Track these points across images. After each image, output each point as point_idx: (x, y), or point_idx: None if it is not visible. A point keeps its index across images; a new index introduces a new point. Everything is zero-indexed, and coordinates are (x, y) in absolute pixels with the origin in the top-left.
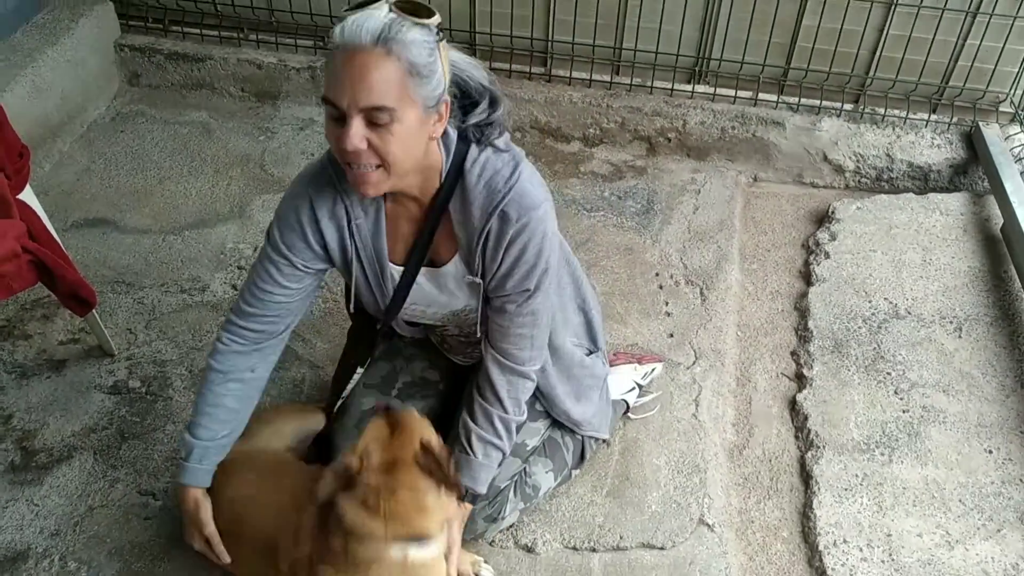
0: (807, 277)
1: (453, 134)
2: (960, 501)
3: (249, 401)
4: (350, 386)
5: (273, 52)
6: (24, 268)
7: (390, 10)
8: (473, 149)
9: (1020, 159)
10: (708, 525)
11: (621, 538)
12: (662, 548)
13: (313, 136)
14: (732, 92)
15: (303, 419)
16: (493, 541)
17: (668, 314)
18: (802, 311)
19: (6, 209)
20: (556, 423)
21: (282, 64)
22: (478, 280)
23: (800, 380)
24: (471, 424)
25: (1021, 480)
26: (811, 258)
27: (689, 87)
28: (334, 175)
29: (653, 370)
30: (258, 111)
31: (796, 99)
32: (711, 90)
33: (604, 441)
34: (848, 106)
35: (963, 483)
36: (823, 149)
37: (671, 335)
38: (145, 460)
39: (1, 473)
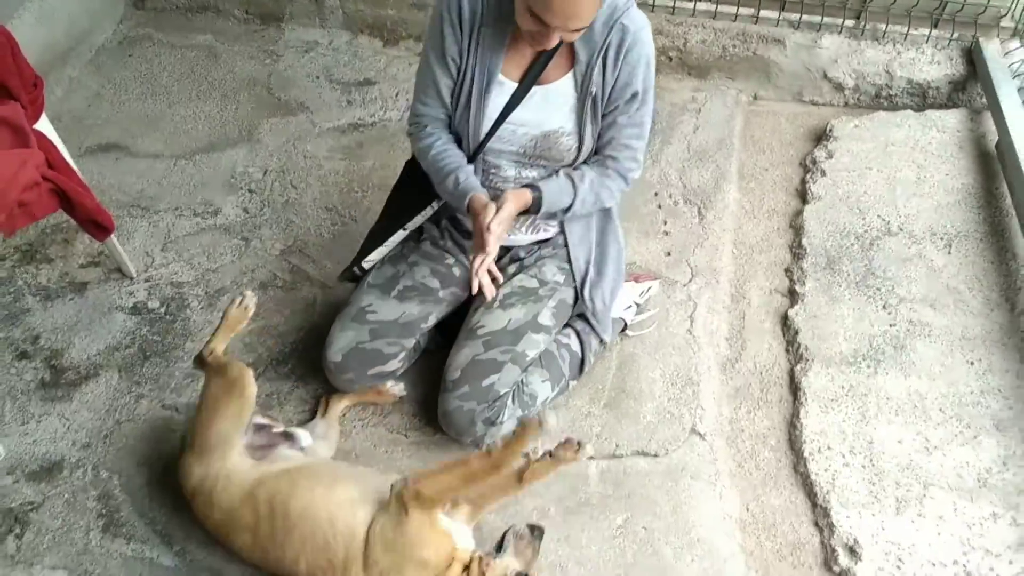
0: (803, 195)
1: None
2: (940, 410)
3: (457, 158)
4: (372, 257)
5: None
6: (45, 196)
7: None
8: None
9: (1018, 75)
10: (700, 434)
11: (617, 446)
12: (656, 456)
13: (318, 59)
14: (734, 9)
15: (235, 415)
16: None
17: (666, 233)
18: (797, 229)
19: (24, 139)
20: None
21: None
22: (592, 91)
23: (792, 296)
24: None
25: (999, 390)
26: (808, 176)
27: (691, 5)
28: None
29: (649, 288)
30: (263, 34)
31: (798, 16)
32: (712, 7)
33: (602, 342)
34: (849, 22)
35: (944, 393)
36: (823, 67)
37: (669, 253)
38: (167, 377)
39: (33, 390)
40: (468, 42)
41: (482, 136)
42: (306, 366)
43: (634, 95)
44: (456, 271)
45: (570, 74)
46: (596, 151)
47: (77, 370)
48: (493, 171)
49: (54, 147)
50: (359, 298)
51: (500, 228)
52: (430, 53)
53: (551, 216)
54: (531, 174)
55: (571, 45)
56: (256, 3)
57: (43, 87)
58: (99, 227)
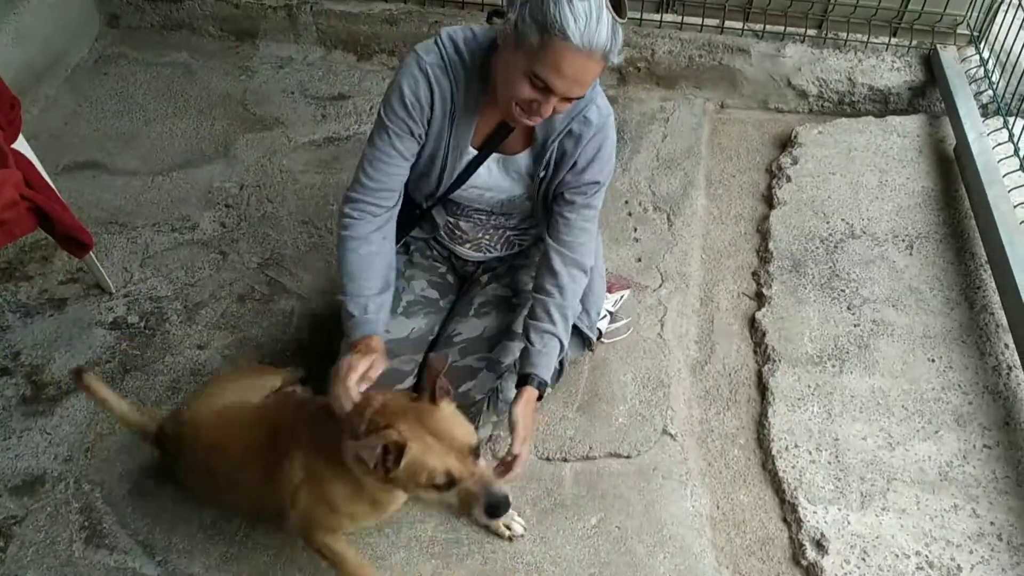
0: (770, 200)
1: None
2: (903, 407)
3: (389, 256)
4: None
5: None
6: (24, 215)
7: (607, 8)
8: None
9: (975, 81)
10: (671, 435)
11: (590, 448)
12: (628, 456)
13: (293, 74)
14: (699, 20)
15: (264, 379)
16: None
17: (636, 240)
18: (763, 233)
19: (3, 159)
20: None
21: (259, 3)
22: (541, 174)
23: (760, 299)
24: (529, 321)
25: (959, 386)
26: (774, 182)
27: (657, 16)
28: (458, 69)
29: (622, 297)
30: (237, 50)
31: (761, 26)
32: (679, 19)
33: (589, 348)
34: (811, 32)
35: (906, 390)
36: (787, 75)
37: (639, 259)
38: (147, 390)
39: (14, 406)
40: (442, 121)
41: (441, 194)
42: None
43: (594, 183)
44: (450, 278)
45: (529, 150)
46: (553, 233)
47: (58, 385)
48: (458, 213)
49: (32, 166)
50: None
51: (527, 450)
52: (391, 130)
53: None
54: (498, 220)
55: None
56: (231, 20)
57: (20, 107)
58: (78, 244)
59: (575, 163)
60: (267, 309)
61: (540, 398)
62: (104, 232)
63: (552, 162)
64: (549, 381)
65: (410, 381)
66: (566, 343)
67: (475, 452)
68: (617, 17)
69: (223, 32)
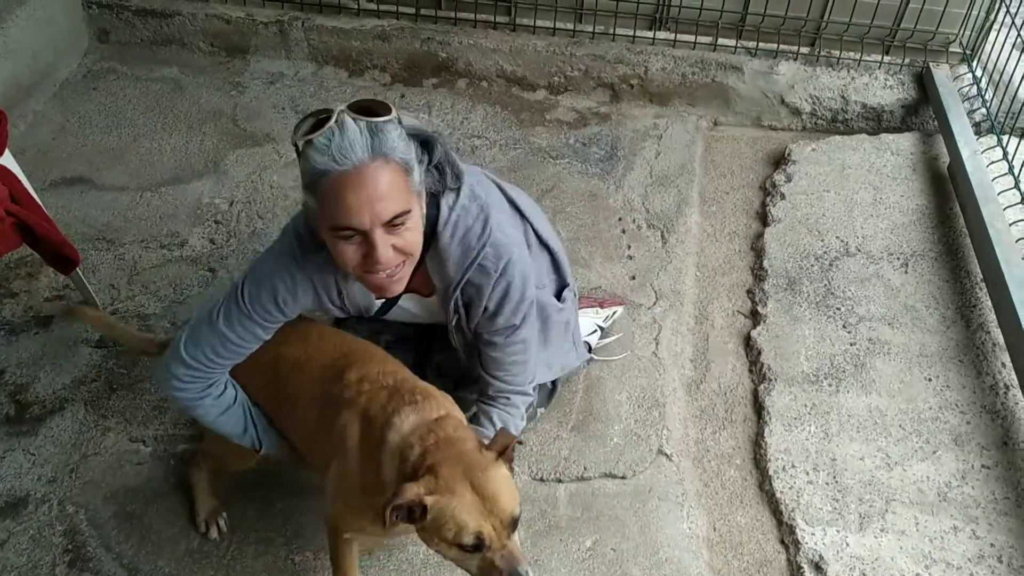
0: (763, 218)
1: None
2: (900, 426)
3: (236, 395)
4: None
5: (241, 7)
6: (9, 231)
7: (352, 119)
8: (443, 208)
9: (968, 99)
10: (666, 455)
11: (585, 469)
12: (623, 477)
13: (284, 90)
14: (692, 38)
15: None
16: None
17: (630, 257)
18: (758, 251)
19: None
20: None
21: (250, 18)
22: (453, 320)
23: (755, 317)
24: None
25: (957, 405)
26: (768, 199)
27: (650, 34)
28: (314, 254)
29: (615, 313)
30: (228, 66)
31: (754, 44)
32: (672, 36)
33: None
34: (804, 49)
35: (904, 409)
36: (780, 92)
37: (633, 277)
38: (134, 410)
39: None
40: (329, 295)
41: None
42: None
43: (510, 327)
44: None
45: (435, 296)
46: (484, 366)
47: (42, 404)
48: (382, 328)
49: (18, 181)
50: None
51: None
52: (241, 326)
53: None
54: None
55: (426, 274)
56: (221, 36)
57: (7, 122)
58: (65, 260)
59: (485, 309)
60: None
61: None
62: (91, 249)
63: (460, 309)
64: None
65: None
66: (524, 413)
67: (514, 524)
68: (371, 119)
69: (214, 48)
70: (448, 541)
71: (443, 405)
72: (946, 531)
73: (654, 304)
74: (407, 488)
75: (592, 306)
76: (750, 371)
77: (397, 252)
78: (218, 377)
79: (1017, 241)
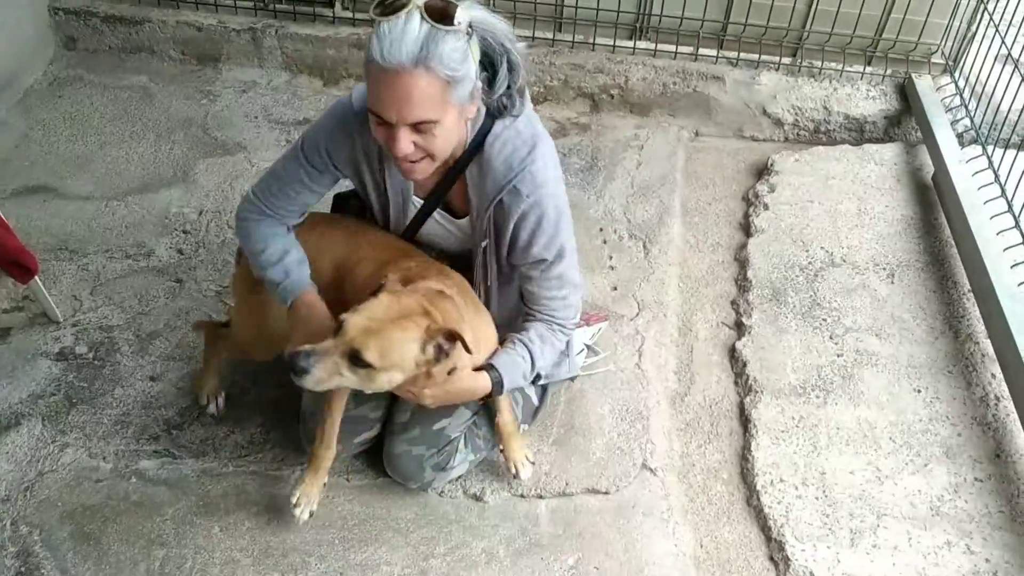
0: (747, 228)
1: (482, 108)
2: (890, 439)
3: (288, 247)
4: None
5: (212, 14)
6: None
7: (422, 18)
8: (497, 125)
9: (951, 109)
10: (651, 469)
11: (567, 484)
12: (607, 493)
13: (256, 99)
14: (673, 48)
15: None
16: (442, 492)
17: (612, 268)
18: (742, 262)
19: None
20: None
21: (222, 26)
22: (482, 243)
23: (740, 328)
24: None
25: (947, 417)
26: (751, 210)
27: (631, 43)
28: (354, 128)
29: (600, 329)
30: (199, 74)
31: (735, 54)
32: (652, 46)
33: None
34: (786, 60)
35: (893, 422)
36: (762, 103)
37: (615, 288)
38: (95, 425)
39: None
40: (376, 166)
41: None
42: (242, 410)
43: (542, 260)
44: None
45: (468, 217)
46: (524, 299)
47: None
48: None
49: None
50: None
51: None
52: (297, 169)
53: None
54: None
55: (465, 187)
56: (192, 43)
57: None
58: (22, 269)
59: (516, 239)
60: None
61: (490, 396)
62: (53, 259)
63: (490, 232)
64: (506, 384)
65: (378, 428)
66: (537, 360)
67: (358, 362)
68: (436, 24)
69: (184, 56)
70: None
71: (474, 312)
72: (940, 546)
73: (637, 315)
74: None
75: (579, 326)
76: (735, 383)
77: (418, 148)
78: (276, 218)
79: (1005, 250)
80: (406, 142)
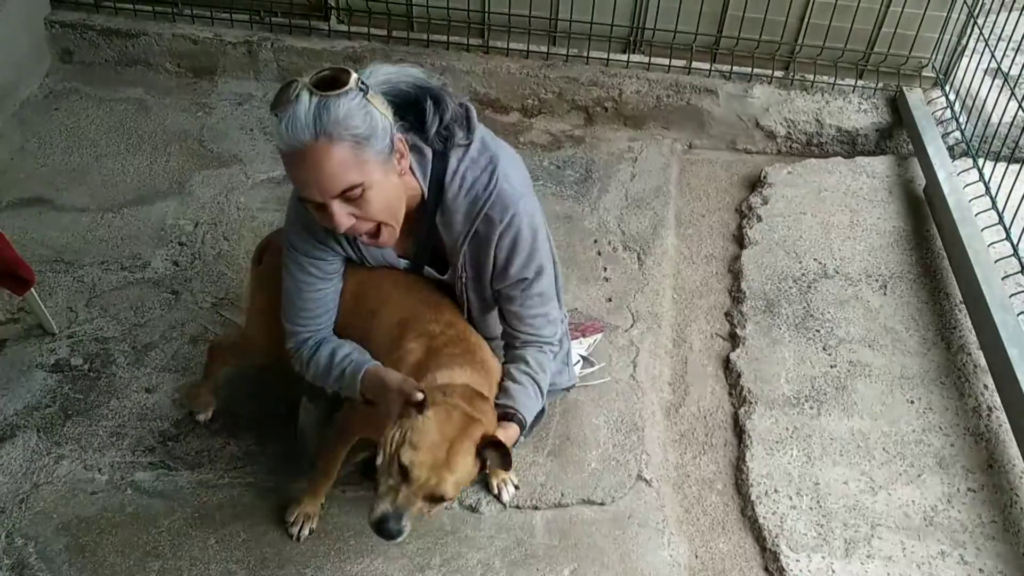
0: (740, 240)
1: (427, 151)
2: (884, 449)
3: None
4: None
5: (209, 27)
6: None
7: (310, 94)
8: (452, 160)
9: (942, 122)
10: (646, 480)
11: (562, 495)
12: (602, 504)
13: (252, 111)
14: (666, 61)
15: None
16: None
17: (607, 279)
18: (735, 273)
19: None
20: None
21: (218, 39)
22: (462, 276)
23: (733, 339)
24: (506, 365)
25: (940, 427)
26: (744, 222)
27: (624, 57)
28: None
29: (595, 341)
30: (195, 87)
31: (728, 67)
32: (646, 59)
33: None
34: (779, 73)
35: (886, 432)
36: (755, 116)
37: (609, 299)
38: (90, 436)
39: None
40: (346, 245)
41: None
42: (237, 421)
43: (522, 279)
44: None
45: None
46: (506, 322)
47: None
48: None
49: None
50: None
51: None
52: (302, 273)
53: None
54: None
55: (438, 230)
56: (188, 56)
57: None
58: (18, 281)
59: (494, 263)
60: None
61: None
62: (48, 271)
63: (466, 267)
64: (527, 425)
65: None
66: (544, 391)
67: (432, 499)
68: (324, 93)
69: (180, 69)
70: (394, 446)
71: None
72: (933, 556)
73: (631, 326)
74: (434, 391)
75: (575, 337)
76: (730, 394)
77: (362, 220)
78: (321, 331)
79: (996, 262)
80: (343, 216)
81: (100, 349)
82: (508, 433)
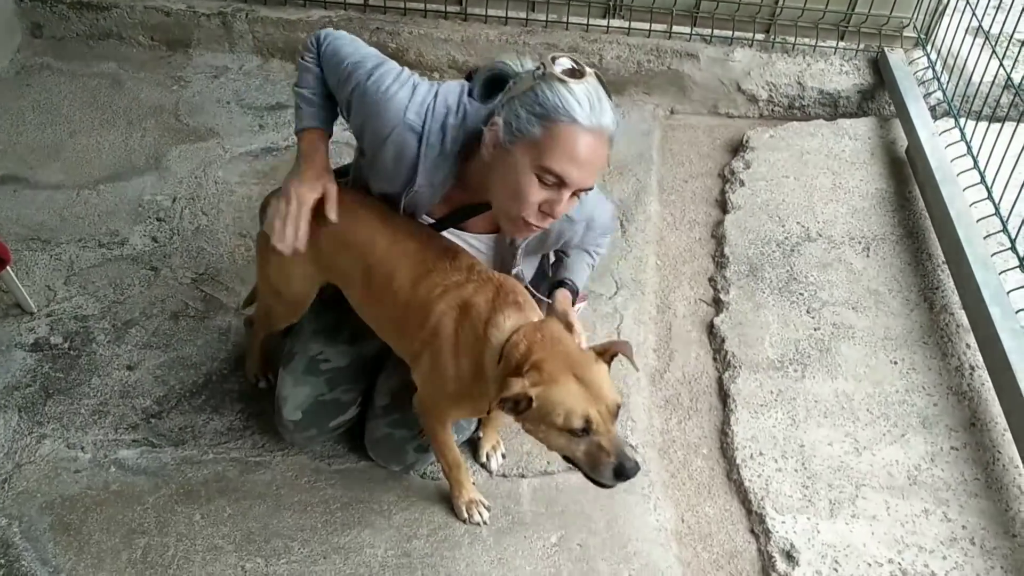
0: (723, 205)
1: None
2: (868, 410)
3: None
4: None
5: None
6: None
7: (600, 81)
8: None
9: (923, 83)
10: (632, 446)
11: (548, 463)
12: None
13: (228, 84)
14: (647, 26)
15: None
16: (425, 473)
17: None
18: (719, 238)
19: None
20: None
21: (191, 10)
22: (514, 268)
23: (717, 304)
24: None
25: (923, 387)
26: (727, 187)
27: (604, 22)
28: (434, 147)
29: (579, 310)
30: (169, 60)
31: (709, 31)
32: (626, 24)
33: None
34: (760, 36)
35: (870, 393)
36: (736, 79)
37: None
38: (72, 415)
39: None
40: (399, 175)
41: None
42: (221, 397)
43: (593, 243)
44: None
45: (495, 239)
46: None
47: None
48: None
49: None
50: (307, 347)
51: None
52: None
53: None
54: None
55: None
56: (161, 29)
57: None
58: None
59: (565, 242)
60: (202, 326)
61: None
62: (25, 249)
63: (527, 254)
64: (579, 290)
65: (353, 411)
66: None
67: (616, 413)
68: (605, 91)
69: (154, 41)
70: (557, 427)
71: (539, 311)
72: (917, 515)
73: (615, 294)
74: (513, 383)
75: None
76: (714, 359)
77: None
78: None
79: (978, 221)
80: (564, 207)
81: (80, 327)
82: (562, 296)
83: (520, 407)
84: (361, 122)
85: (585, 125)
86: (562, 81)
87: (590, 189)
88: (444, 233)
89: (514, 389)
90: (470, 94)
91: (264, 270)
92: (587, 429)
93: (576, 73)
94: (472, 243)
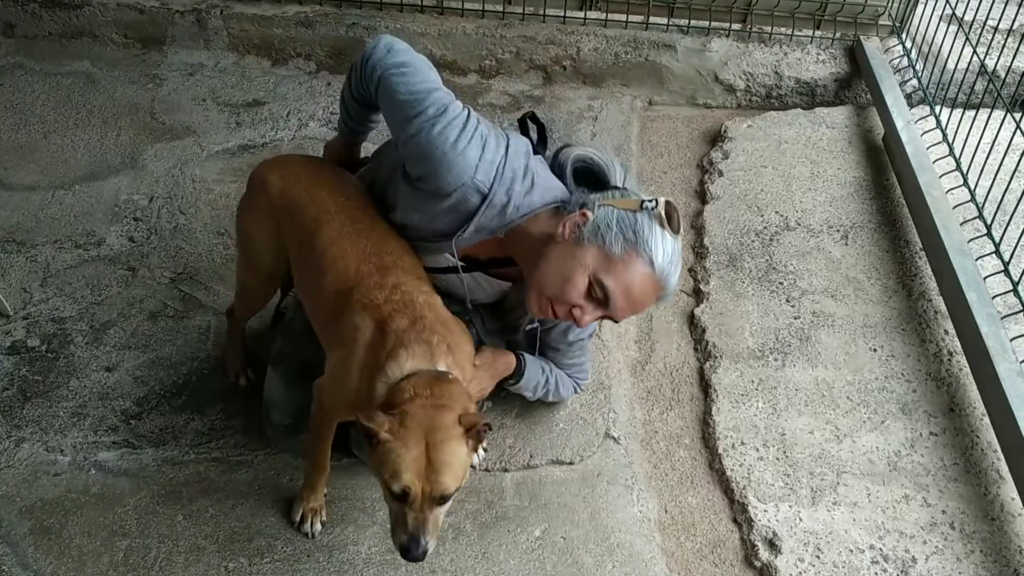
0: (702, 196)
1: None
2: (848, 398)
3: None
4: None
5: None
6: None
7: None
8: None
9: (899, 71)
10: (614, 438)
11: (531, 456)
12: (571, 463)
13: (204, 81)
14: (623, 17)
15: None
16: None
17: None
18: (698, 229)
19: None
20: None
21: (165, 7)
22: (528, 326)
23: (698, 295)
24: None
25: (902, 374)
26: (705, 177)
27: (581, 14)
28: (494, 207)
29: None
30: (144, 58)
31: (686, 21)
32: (603, 16)
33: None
34: (736, 26)
35: (850, 381)
36: (714, 70)
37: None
38: (51, 418)
39: None
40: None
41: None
42: (202, 397)
43: (578, 340)
44: None
45: (504, 285)
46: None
47: None
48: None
49: None
50: (298, 349)
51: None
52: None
53: (518, 389)
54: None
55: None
56: (135, 26)
57: None
58: None
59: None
60: (181, 326)
61: (511, 378)
62: (0, 251)
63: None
64: (525, 374)
65: None
66: (543, 386)
67: (442, 500)
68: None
69: (128, 39)
70: (382, 478)
71: (455, 354)
72: (898, 500)
73: None
74: (377, 417)
75: None
76: (695, 349)
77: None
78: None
79: (954, 208)
80: (590, 320)
81: (57, 329)
82: (505, 360)
83: (372, 440)
84: (422, 172)
85: (655, 273)
86: (662, 227)
87: (618, 321)
88: (475, 276)
89: (373, 423)
90: (534, 151)
91: (241, 246)
92: (402, 498)
93: (675, 228)
94: (481, 283)
